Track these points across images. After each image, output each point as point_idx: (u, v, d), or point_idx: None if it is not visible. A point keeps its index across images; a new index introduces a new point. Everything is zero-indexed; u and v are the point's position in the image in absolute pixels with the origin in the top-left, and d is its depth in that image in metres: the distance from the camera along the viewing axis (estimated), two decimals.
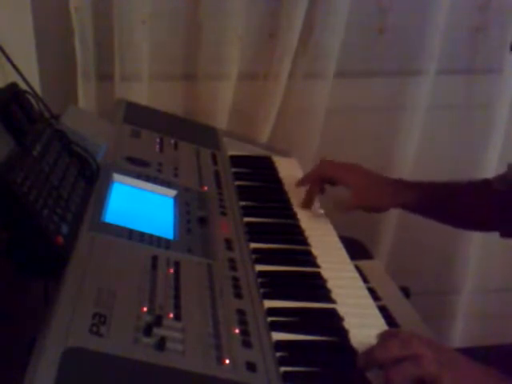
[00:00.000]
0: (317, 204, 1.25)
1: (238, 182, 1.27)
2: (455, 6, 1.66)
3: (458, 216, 1.28)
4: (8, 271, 0.85)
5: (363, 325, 0.85)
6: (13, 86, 1.01)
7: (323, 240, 1.12)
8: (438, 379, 0.75)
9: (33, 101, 1.06)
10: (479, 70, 1.76)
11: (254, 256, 1.01)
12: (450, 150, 1.82)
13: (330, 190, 1.27)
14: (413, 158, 1.79)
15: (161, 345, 0.68)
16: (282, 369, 0.75)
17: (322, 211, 1.24)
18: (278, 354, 0.78)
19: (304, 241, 1.10)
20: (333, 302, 0.93)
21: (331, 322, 0.88)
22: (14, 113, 0.93)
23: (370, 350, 0.78)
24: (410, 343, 0.76)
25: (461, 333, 1.98)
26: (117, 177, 1.06)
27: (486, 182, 1.24)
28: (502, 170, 1.23)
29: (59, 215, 0.85)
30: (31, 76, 1.25)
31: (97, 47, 1.50)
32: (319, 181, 1.25)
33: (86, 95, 1.50)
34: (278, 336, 0.81)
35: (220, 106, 1.59)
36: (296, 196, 1.26)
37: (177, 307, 0.77)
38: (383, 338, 0.79)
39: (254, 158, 1.45)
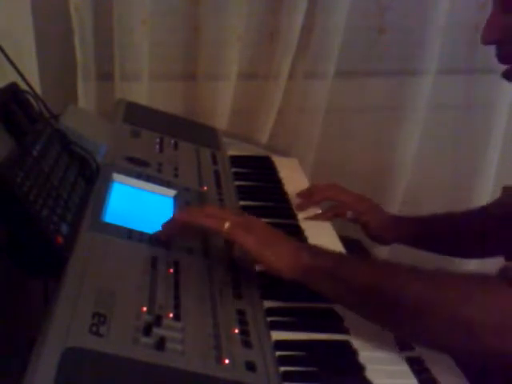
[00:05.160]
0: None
1: (237, 182, 1.27)
2: (455, 5, 1.66)
3: (458, 247, 1.27)
4: (8, 271, 0.85)
5: (363, 324, 0.84)
6: (13, 86, 1.01)
7: (323, 240, 1.11)
8: (242, 240, 0.86)
9: (33, 101, 1.06)
10: (479, 69, 1.75)
11: None
12: (450, 149, 1.82)
13: None
14: (413, 158, 1.79)
15: (160, 345, 0.68)
16: (282, 369, 0.75)
17: (321, 211, 1.24)
18: (278, 354, 0.78)
19: (304, 241, 1.10)
20: None
21: (331, 322, 0.88)
22: (13, 113, 0.93)
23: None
24: (219, 209, 0.90)
25: None
26: (117, 177, 1.06)
27: (482, 209, 1.24)
28: (502, 170, 1.23)
29: (59, 215, 0.85)
30: (31, 76, 1.24)
31: (97, 47, 1.50)
32: (331, 213, 1.25)
33: (86, 95, 1.50)
34: (277, 336, 0.81)
35: (220, 106, 1.59)
36: (296, 196, 1.26)
37: (176, 307, 0.77)
38: None
39: (254, 157, 1.45)
